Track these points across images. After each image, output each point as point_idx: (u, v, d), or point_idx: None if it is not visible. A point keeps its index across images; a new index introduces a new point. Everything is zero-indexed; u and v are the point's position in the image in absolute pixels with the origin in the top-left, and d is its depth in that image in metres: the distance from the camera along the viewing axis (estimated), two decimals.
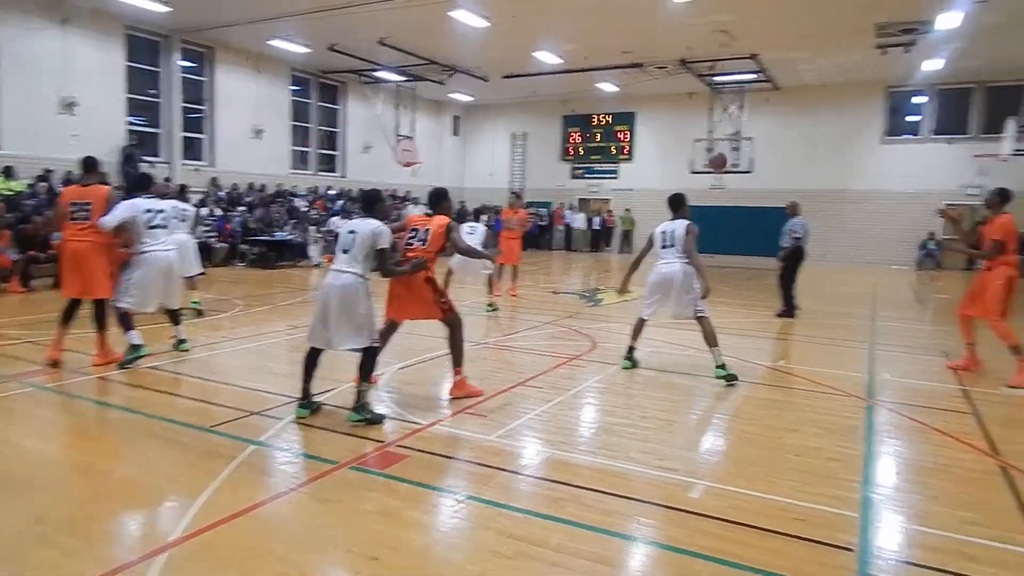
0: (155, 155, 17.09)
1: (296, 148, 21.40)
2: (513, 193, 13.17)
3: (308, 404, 4.73)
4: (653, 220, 26.95)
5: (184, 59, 17.62)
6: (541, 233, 25.99)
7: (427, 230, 5.18)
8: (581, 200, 26.53)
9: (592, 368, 6.60)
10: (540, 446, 4.41)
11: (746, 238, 21.90)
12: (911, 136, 21.71)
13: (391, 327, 5.44)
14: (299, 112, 21.42)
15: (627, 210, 25.34)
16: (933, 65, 18.14)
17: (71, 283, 6.03)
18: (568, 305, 11.09)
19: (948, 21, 14.08)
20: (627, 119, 25.44)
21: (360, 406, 4.63)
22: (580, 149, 26.57)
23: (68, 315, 6.03)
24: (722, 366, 6.14)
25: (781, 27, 15.31)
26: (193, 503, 3.31)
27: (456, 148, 28.34)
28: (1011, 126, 16.14)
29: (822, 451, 4.42)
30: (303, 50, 18.53)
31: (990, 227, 6.58)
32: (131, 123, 16.49)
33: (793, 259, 10.33)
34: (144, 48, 16.85)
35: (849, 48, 16.77)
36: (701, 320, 6.28)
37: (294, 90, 21.08)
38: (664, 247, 6.51)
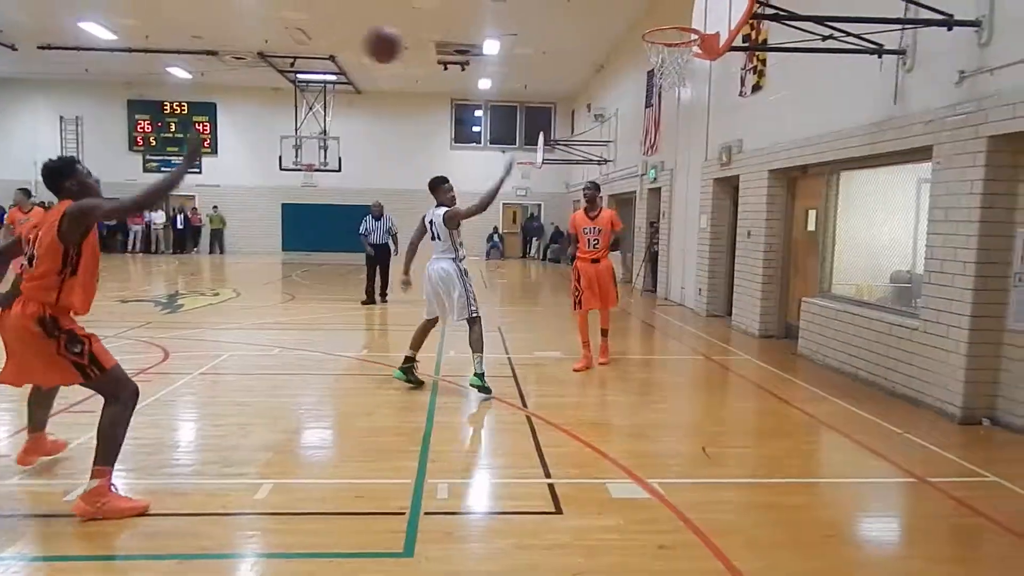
0: None
1: None
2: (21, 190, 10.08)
3: None
4: (244, 217, 26.01)
5: None
6: (111, 234, 22.47)
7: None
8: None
9: (162, 381, 5.95)
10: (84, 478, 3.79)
11: (338, 235, 22.50)
12: (475, 144, 25.04)
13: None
14: None
15: (215, 207, 23.61)
16: (485, 84, 21.21)
17: None
18: (140, 314, 9.82)
19: (491, 47, 16.61)
20: (207, 109, 23.64)
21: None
22: (152, 139, 23.71)
23: None
24: (480, 375, 5.56)
25: (351, 31, 15.98)
26: None
27: None
28: (541, 140, 19.82)
29: (390, 429, 4.79)
30: None
31: (602, 220, 6.83)
32: None
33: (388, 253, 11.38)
34: None
35: (416, 61, 18.46)
36: (472, 322, 5.66)
37: None
38: (433, 239, 5.78)
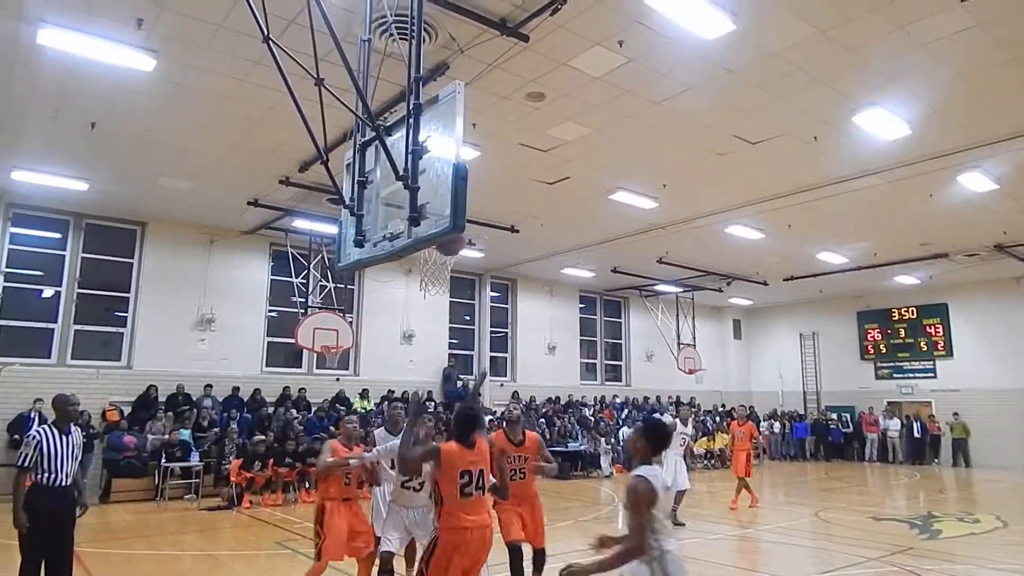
0: (468, 373, 19.71)
1: (584, 360, 22.98)
2: (741, 406, 13.15)
3: None
4: (986, 424, 23.01)
5: (492, 291, 20.76)
6: (847, 442, 23.24)
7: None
8: (891, 403, 23.45)
9: None
10: None
11: None
12: None
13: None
14: (586, 327, 23.31)
15: (955, 415, 21.59)
16: None
17: None
18: (896, 535, 9.51)
19: None
20: (938, 311, 22.69)
21: None
22: (882, 347, 24.09)
23: None
24: None
25: None
26: None
27: (739, 352, 27.71)
28: None
29: None
30: (589, 274, 20.62)
31: None
32: (451, 346, 19.47)
33: None
34: (463, 285, 20.29)
35: None
36: None
37: (581, 308, 23.19)
38: None
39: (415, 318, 18.23)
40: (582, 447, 17.22)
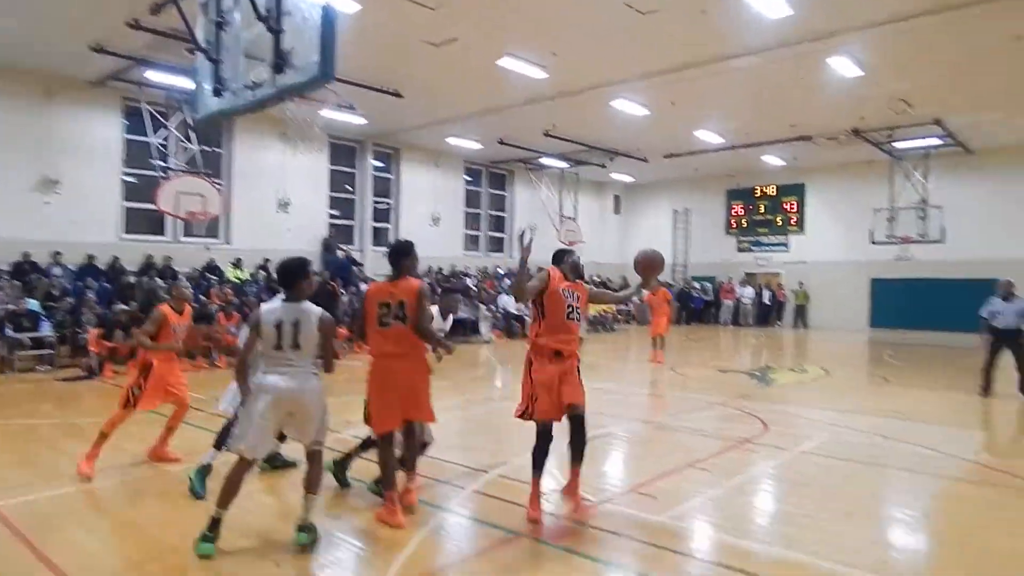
0: (350, 243, 19.35)
1: (468, 232, 23.15)
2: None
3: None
4: (832, 293, 25.60)
5: (375, 159, 20.04)
6: (707, 308, 25.42)
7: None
8: (748, 274, 25.70)
9: (765, 452, 6.44)
10: (711, 530, 4.44)
11: (936, 312, 19.97)
12: None
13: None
14: (471, 199, 23.29)
15: (800, 283, 24.10)
16: None
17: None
18: (738, 384, 10.80)
19: None
20: (796, 190, 24.58)
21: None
22: (744, 222, 25.98)
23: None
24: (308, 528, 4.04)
25: (965, 90, 14.31)
26: (392, 561, 3.78)
27: (618, 226, 28.91)
28: None
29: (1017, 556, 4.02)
30: (476, 145, 20.31)
31: None
32: (331, 216, 18.90)
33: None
34: (343, 152, 19.41)
35: None
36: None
37: (467, 179, 23.01)
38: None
39: (292, 185, 17.40)
40: (464, 315, 17.72)
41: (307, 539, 3.97)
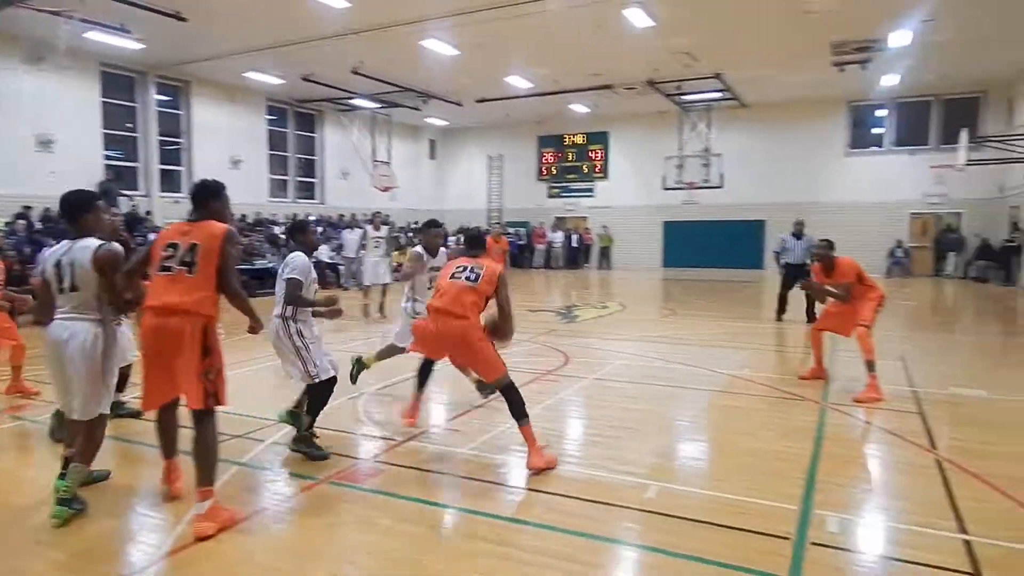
0: (133, 188, 17.27)
1: (274, 176, 21.66)
2: (497, 223, 14.95)
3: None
4: (631, 236, 27.68)
5: (160, 93, 17.88)
6: (520, 252, 26.35)
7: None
8: (558, 219, 26.96)
9: (565, 382, 6.88)
10: (512, 456, 4.67)
11: (718, 251, 22.52)
12: (876, 148, 22.40)
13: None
14: (276, 141, 21.73)
15: (604, 227, 25.80)
16: (890, 80, 18.85)
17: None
18: (544, 322, 11.39)
19: (900, 39, 14.74)
20: (601, 138, 26.01)
21: None
22: (554, 169, 27.07)
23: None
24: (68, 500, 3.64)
25: (741, 48, 15.89)
26: (182, 519, 3.53)
27: (433, 171, 28.74)
28: (964, 137, 16.77)
29: (772, 452, 4.73)
30: (278, 81, 18.89)
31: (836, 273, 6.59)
32: (108, 158, 16.67)
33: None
34: (119, 84, 17.08)
35: (809, 66, 17.39)
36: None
37: (270, 120, 21.39)
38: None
39: (55, 121, 15.02)
40: (270, 265, 16.71)
41: (62, 512, 3.51)
